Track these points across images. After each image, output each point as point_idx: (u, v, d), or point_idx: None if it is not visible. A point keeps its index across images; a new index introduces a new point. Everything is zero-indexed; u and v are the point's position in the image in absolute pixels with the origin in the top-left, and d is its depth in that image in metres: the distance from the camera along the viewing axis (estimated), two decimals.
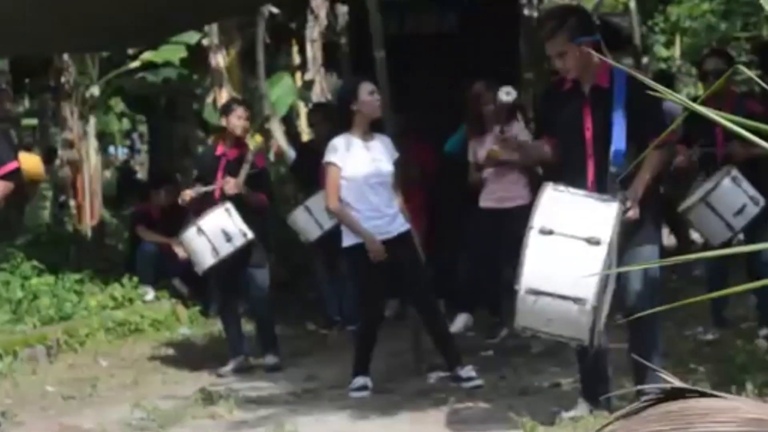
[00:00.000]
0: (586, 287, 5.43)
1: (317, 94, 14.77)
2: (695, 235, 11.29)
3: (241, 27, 14.95)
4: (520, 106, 9.67)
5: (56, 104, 15.03)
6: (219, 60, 14.34)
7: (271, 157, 14.94)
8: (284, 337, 9.29)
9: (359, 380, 7.55)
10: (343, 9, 13.78)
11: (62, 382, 8.47)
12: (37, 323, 9.89)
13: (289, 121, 17.66)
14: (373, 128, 7.60)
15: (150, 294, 11.27)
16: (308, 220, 9.88)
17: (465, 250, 9.56)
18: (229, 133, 8.82)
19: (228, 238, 8.42)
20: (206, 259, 8.50)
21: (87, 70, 14.55)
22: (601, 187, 5.83)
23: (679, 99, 2.26)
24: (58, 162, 14.80)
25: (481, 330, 9.37)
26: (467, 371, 7.51)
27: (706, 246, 8.65)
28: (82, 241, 13.61)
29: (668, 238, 11.25)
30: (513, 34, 12.48)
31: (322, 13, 14.48)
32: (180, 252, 10.52)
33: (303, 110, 16.76)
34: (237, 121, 8.75)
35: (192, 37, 14.34)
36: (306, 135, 15.74)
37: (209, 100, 15.57)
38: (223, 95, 13.97)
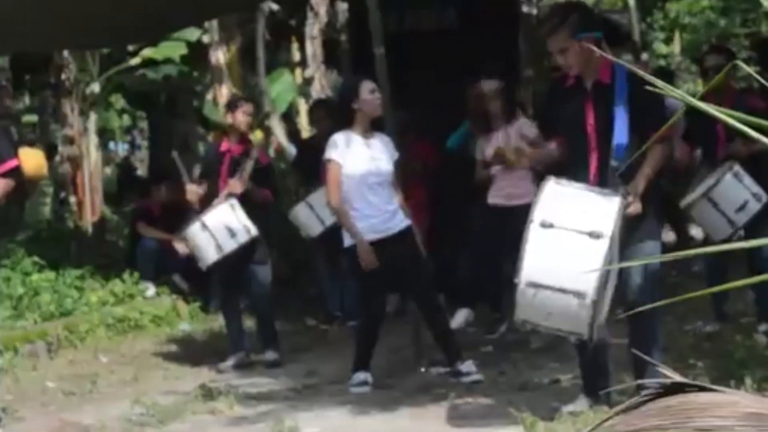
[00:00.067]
0: (587, 281, 5.44)
1: (317, 91, 14.75)
2: (694, 231, 11.30)
3: (241, 24, 14.96)
4: (520, 103, 9.68)
5: (56, 101, 15.03)
6: (219, 57, 14.35)
7: (271, 153, 14.94)
8: (284, 332, 9.31)
9: (359, 376, 7.57)
10: (342, 6, 13.76)
11: (63, 378, 8.48)
12: (38, 319, 9.90)
13: (288, 117, 17.65)
14: (374, 125, 7.62)
15: (150, 290, 11.28)
16: (309, 216, 9.90)
17: (466, 248, 9.56)
18: (235, 129, 8.85)
19: (232, 233, 8.43)
20: (210, 255, 8.52)
21: (87, 67, 14.56)
22: (603, 181, 5.87)
23: (679, 94, 2.27)
24: (58, 158, 14.81)
25: (482, 325, 9.38)
26: (467, 366, 7.53)
27: (706, 242, 8.66)
28: (83, 237, 13.62)
29: (667, 234, 11.26)
30: (512, 31, 12.48)
31: (322, 10, 14.46)
32: (180, 248, 10.53)
33: (303, 107, 16.76)
34: (243, 117, 8.78)
35: (192, 34, 14.34)
36: (306, 132, 15.75)
37: (209, 96, 15.58)
38: (224, 92, 13.99)
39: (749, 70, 2.85)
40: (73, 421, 7.04)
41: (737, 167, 7.81)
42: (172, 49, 14.47)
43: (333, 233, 8.56)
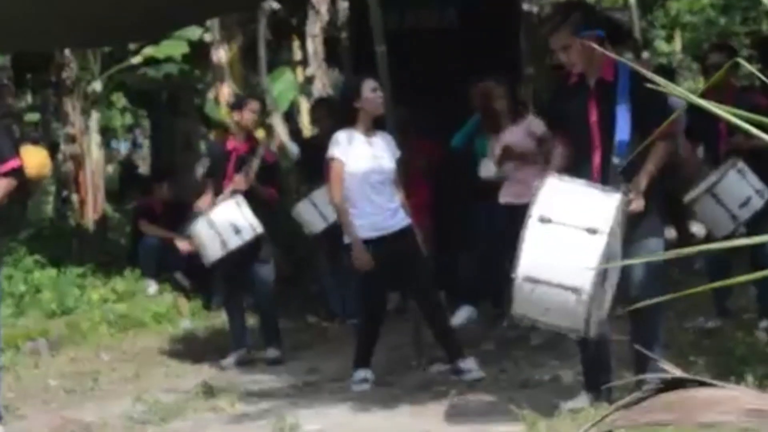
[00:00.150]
0: (584, 277, 5.44)
1: (318, 89, 14.73)
2: (695, 228, 11.29)
3: (243, 23, 14.95)
4: (522, 101, 9.67)
5: (58, 100, 15.03)
6: (220, 55, 14.34)
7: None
8: (286, 330, 9.31)
9: (360, 373, 7.58)
10: (343, 4, 13.75)
11: (64, 375, 8.49)
12: (40, 317, 9.91)
13: (290, 116, 17.64)
14: (375, 123, 7.63)
15: (152, 287, 11.29)
16: (313, 213, 9.90)
17: (468, 247, 9.55)
18: (242, 127, 8.86)
19: (237, 231, 8.44)
20: (214, 251, 8.52)
21: (89, 65, 14.56)
22: (606, 178, 5.88)
23: (680, 92, 2.28)
24: (60, 157, 14.81)
25: (483, 322, 9.38)
26: (468, 363, 7.53)
27: (707, 239, 8.66)
28: (85, 235, 13.63)
29: (668, 231, 11.25)
30: (513, 29, 12.48)
31: (323, 9, 14.45)
32: (182, 246, 10.54)
33: (304, 105, 16.75)
34: (251, 115, 8.80)
35: (193, 32, 14.33)
36: (307, 130, 15.74)
37: (211, 95, 15.57)
38: (225, 91, 13.99)
39: (750, 68, 2.86)
40: (75, 419, 7.04)
41: (741, 163, 7.82)
42: (174, 47, 14.46)
43: (336, 230, 8.56)
